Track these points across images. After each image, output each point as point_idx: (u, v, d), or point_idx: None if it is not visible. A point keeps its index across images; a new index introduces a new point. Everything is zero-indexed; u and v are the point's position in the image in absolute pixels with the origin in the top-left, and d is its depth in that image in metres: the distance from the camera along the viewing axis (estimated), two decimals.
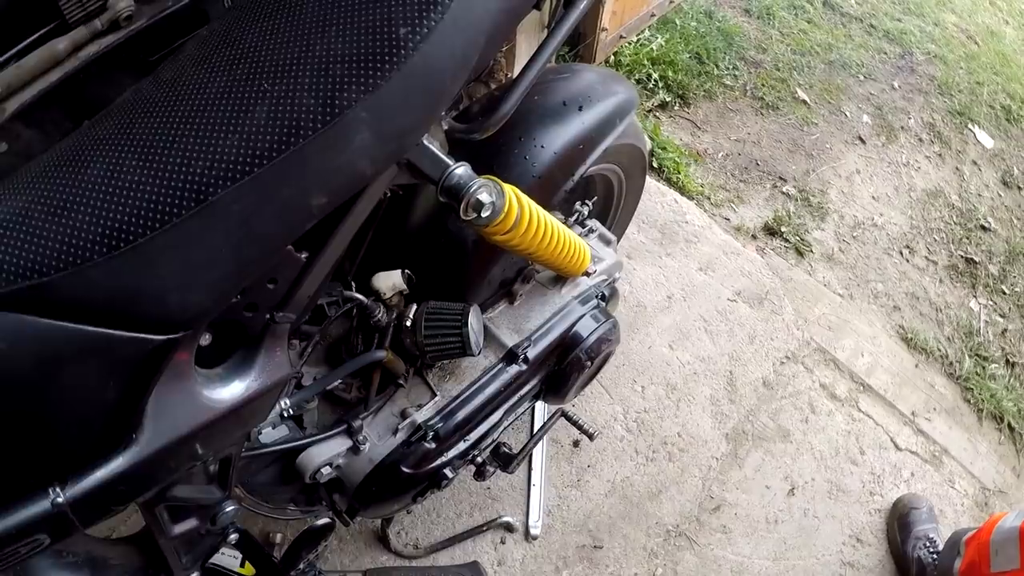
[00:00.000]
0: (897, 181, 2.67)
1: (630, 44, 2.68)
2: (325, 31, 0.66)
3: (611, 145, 1.26)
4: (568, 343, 1.25)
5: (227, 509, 0.89)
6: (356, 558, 1.49)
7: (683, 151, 2.50)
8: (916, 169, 2.73)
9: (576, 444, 1.73)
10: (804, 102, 2.82)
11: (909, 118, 2.89)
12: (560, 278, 1.29)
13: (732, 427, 1.89)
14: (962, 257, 2.53)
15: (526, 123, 1.13)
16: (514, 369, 1.17)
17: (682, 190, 2.37)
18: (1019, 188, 2.82)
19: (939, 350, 2.26)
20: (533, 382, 1.24)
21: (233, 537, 0.96)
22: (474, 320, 1.03)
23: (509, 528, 1.58)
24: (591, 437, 1.35)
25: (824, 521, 1.82)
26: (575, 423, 1.33)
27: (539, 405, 1.71)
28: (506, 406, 1.19)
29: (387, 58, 0.64)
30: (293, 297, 0.76)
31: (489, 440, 1.21)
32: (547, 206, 1.11)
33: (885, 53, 3.11)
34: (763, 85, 2.82)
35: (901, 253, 2.46)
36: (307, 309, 0.83)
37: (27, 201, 0.59)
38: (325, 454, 1.01)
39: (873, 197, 2.59)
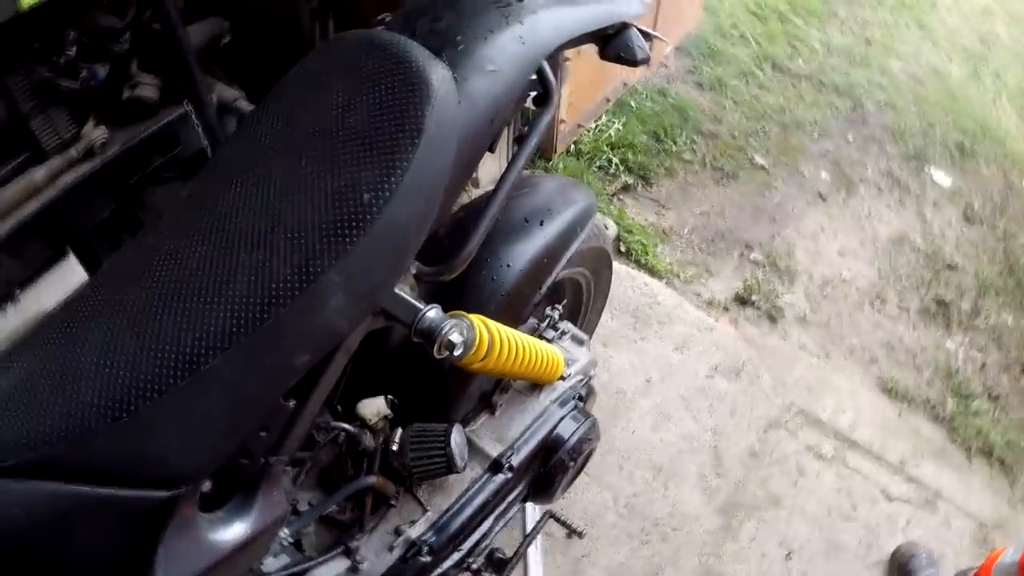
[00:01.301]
0: (861, 234, 2.86)
1: (588, 131, 2.88)
2: (296, 198, 0.76)
3: (575, 251, 1.41)
4: (550, 446, 1.37)
5: None
6: None
7: (649, 232, 2.67)
8: (879, 219, 2.92)
9: (570, 535, 1.83)
10: (762, 167, 3.02)
11: (866, 169, 3.09)
12: (536, 383, 1.42)
13: (723, 500, 2.00)
14: (933, 299, 2.70)
15: (491, 244, 1.23)
16: (500, 478, 1.29)
17: (651, 271, 2.53)
18: (981, 222, 3.01)
19: (920, 395, 2.40)
20: (520, 487, 1.36)
21: None
22: (457, 439, 1.15)
23: None
24: (580, 535, 1.46)
25: None
26: (563, 523, 1.44)
27: (529, 505, 1.82)
28: (495, 513, 1.31)
29: (354, 224, 0.74)
30: (285, 441, 0.88)
31: (482, 547, 1.32)
32: (517, 321, 1.25)
33: (836, 108, 3.35)
34: (721, 155, 3.03)
35: (872, 304, 2.63)
36: (299, 446, 0.95)
37: (33, 372, 0.70)
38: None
39: (839, 253, 2.77)
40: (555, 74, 1.06)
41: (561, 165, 2.77)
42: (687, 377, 2.21)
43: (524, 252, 1.26)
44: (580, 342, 1.55)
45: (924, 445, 2.29)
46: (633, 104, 3.06)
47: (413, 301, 0.93)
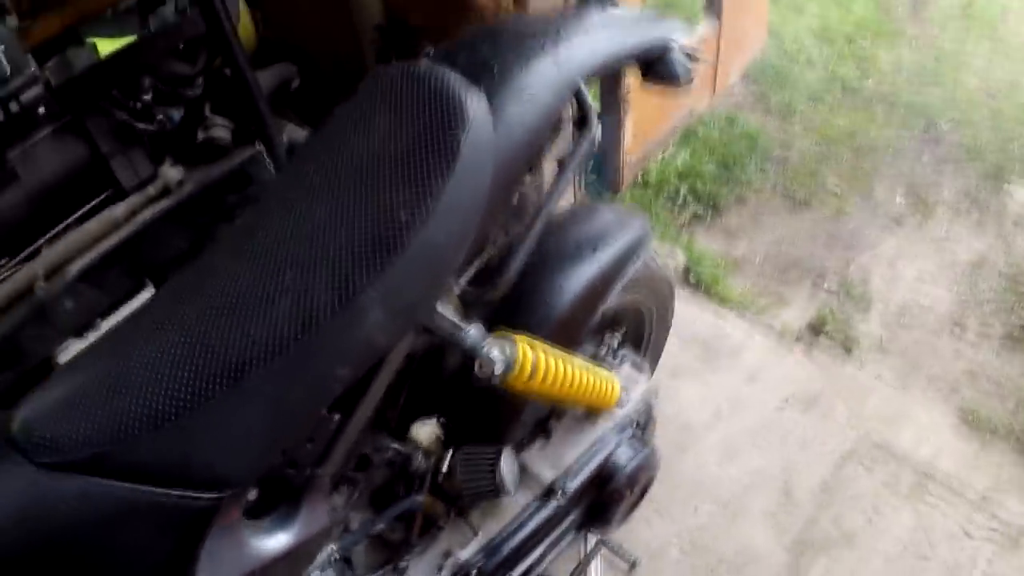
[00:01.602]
0: (939, 258, 2.75)
1: (656, 162, 2.88)
2: (338, 223, 0.81)
3: (631, 279, 1.41)
4: (606, 474, 1.36)
5: None
6: None
7: (719, 262, 2.64)
8: (957, 242, 2.81)
9: (633, 567, 1.80)
10: (835, 193, 2.95)
11: (943, 190, 2.99)
12: (593, 409, 1.41)
13: (792, 537, 1.94)
14: (1019, 325, 2.57)
15: (545, 270, 1.27)
16: (552, 504, 1.29)
17: (722, 301, 2.49)
18: None
19: (1004, 426, 2.27)
20: (574, 514, 1.35)
21: None
22: (506, 462, 1.16)
23: None
24: (633, 566, 1.44)
25: None
26: (615, 551, 1.42)
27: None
28: (548, 540, 1.30)
29: (391, 243, 0.79)
30: (331, 454, 0.91)
31: (534, 574, 1.31)
32: (573, 345, 1.26)
33: (910, 128, 3.25)
34: (792, 182, 2.98)
35: (952, 332, 2.52)
36: (347, 461, 0.97)
37: (92, 377, 0.75)
38: None
39: (917, 279, 2.68)
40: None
41: (628, 196, 2.77)
42: (757, 409, 2.16)
43: (577, 277, 1.27)
44: (639, 370, 1.54)
45: (1008, 478, 2.16)
46: (700, 133, 3.04)
47: (455, 319, 0.95)
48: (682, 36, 1.14)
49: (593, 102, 1.21)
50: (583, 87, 1.02)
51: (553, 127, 1.01)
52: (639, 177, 2.81)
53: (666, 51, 1.13)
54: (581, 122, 1.07)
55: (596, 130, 1.07)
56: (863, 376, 2.34)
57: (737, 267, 2.65)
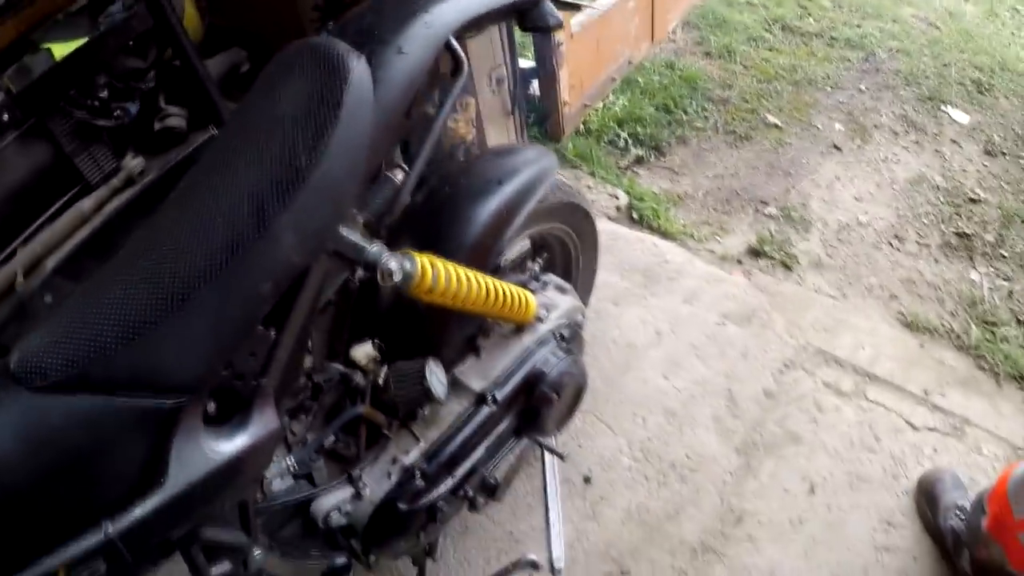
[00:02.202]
0: (878, 177, 2.91)
1: (596, 111, 3.03)
2: (255, 170, 0.99)
3: (543, 206, 1.58)
4: (532, 381, 1.53)
5: (256, 554, 1.18)
6: None
7: (661, 198, 2.79)
8: (896, 162, 2.97)
9: (587, 480, 1.97)
10: (776, 125, 3.11)
11: (881, 115, 3.14)
12: (519, 328, 1.58)
13: (740, 440, 2.09)
14: (955, 233, 2.73)
15: (455, 204, 1.45)
16: (485, 410, 1.46)
17: (664, 234, 2.65)
18: (1003, 154, 3.02)
19: (943, 326, 2.43)
20: (508, 420, 1.52)
21: None
22: (432, 372, 1.33)
23: (535, 566, 1.80)
24: (562, 457, 1.61)
25: (850, 512, 1.97)
26: (546, 447, 1.59)
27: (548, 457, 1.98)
28: (485, 443, 1.47)
29: (296, 179, 0.97)
30: (271, 365, 1.08)
31: (476, 475, 1.49)
32: (486, 268, 1.42)
33: (849, 60, 3.40)
34: (733, 119, 3.13)
35: (891, 244, 2.68)
36: (287, 374, 1.14)
37: (70, 317, 0.92)
38: (332, 502, 1.31)
39: (855, 198, 2.83)
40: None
41: (570, 145, 2.93)
42: (697, 326, 2.32)
43: (484, 207, 1.44)
44: (563, 290, 1.70)
45: (949, 374, 2.31)
46: (641, 80, 3.19)
47: (358, 240, 1.12)
48: None
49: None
50: (453, 41, 1.18)
51: (426, 76, 1.17)
52: (582, 126, 2.95)
53: (537, 2, 1.30)
54: (454, 71, 1.23)
55: (464, 74, 1.23)
56: (802, 291, 2.50)
57: (680, 202, 2.81)
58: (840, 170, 2.93)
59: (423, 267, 1.18)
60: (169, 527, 1.00)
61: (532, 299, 1.49)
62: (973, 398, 2.26)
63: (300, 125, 1.01)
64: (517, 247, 1.70)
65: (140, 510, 0.94)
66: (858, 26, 3.55)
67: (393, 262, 1.12)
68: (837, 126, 3.11)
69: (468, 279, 1.28)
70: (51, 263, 1.69)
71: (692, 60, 3.35)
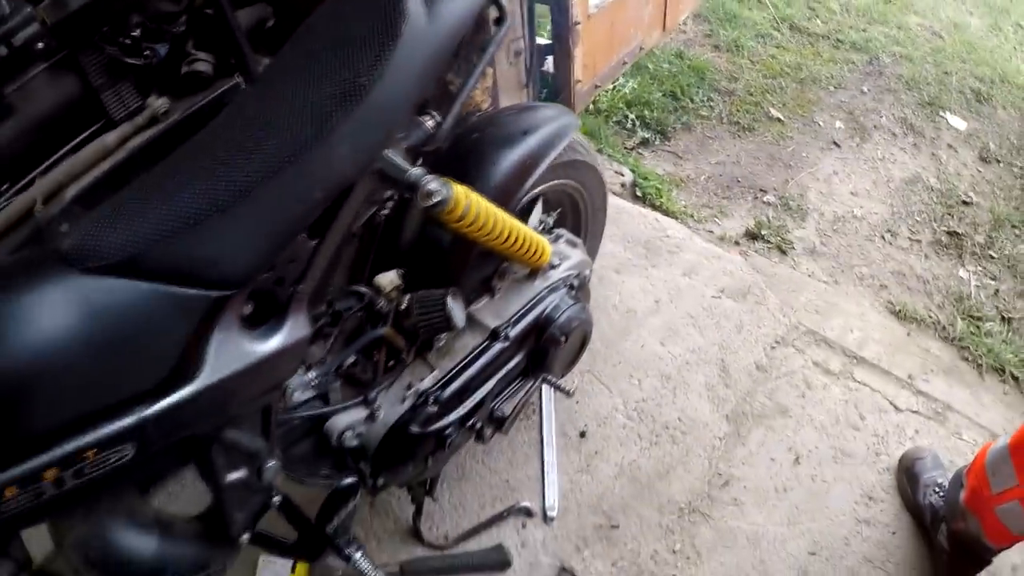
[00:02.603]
0: (875, 175, 3.00)
1: (606, 92, 3.10)
2: (318, 86, 1.06)
3: (560, 161, 1.65)
4: (543, 323, 1.60)
5: (269, 464, 1.23)
6: (393, 554, 1.81)
7: (665, 179, 2.87)
8: (892, 162, 3.06)
9: (583, 435, 2.04)
10: (778, 119, 3.19)
11: (881, 117, 3.23)
12: (533, 273, 1.64)
13: (731, 409, 2.16)
14: (946, 232, 2.82)
15: (483, 149, 1.53)
16: (498, 346, 1.53)
17: (666, 213, 2.72)
18: (998, 161, 3.11)
19: (930, 317, 2.52)
20: (517, 358, 1.59)
21: (277, 499, 1.30)
22: (454, 300, 1.38)
23: (528, 513, 1.89)
24: (569, 394, 1.68)
25: (833, 484, 2.04)
26: (555, 385, 1.66)
27: (546, 398, 2.06)
28: (496, 377, 1.54)
29: (355, 96, 1.03)
30: (308, 273, 1.14)
31: (485, 408, 1.55)
32: (508, 208, 1.48)
33: (853, 63, 3.49)
34: (738, 111, 3.21)
35: (883, 237, 2.76)
36: (319, 287, 1.20)
37: (128, 205, 0.96)
38: (346, 421, 1.37)
39: (852, 193, 2.92)
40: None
41: (580, 122, 2.98)
42: (695, 298, 2.39)
43: (510, 154, 1.52)
44: (573, 244, 1.77)
45: (934, 362, 2.39)
46: (651, 67, 3.26)
47: (403, 162, 1.18)
48: None
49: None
50: None
51: (473, 19, 1.23)
52: (591, 105, 3.02)
53: None
54: (498, 20, 1.31)
55: (507, 24, 1.31)
56: (796, 274, 2.58)
57: (683, 184, 2.88)
58: (839, 166, 3.02)
59: (459, 194, 1.24)
60: (198, 420, 1.04)
61: (547, 246, 1.56)
62: (956, 386, 2.34)
63: (362, 49, 1.08)
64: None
65: (173, 399, 0.98)
66: (864, 31, 3.65)
67: (434, 184, 1.18)
68: (838, 124, 3.19)
69: (495, 215, 1.34)
70: (71, 192, 1.73)
71: (701, 51, 3.43)
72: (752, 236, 2.69)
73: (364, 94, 1.04)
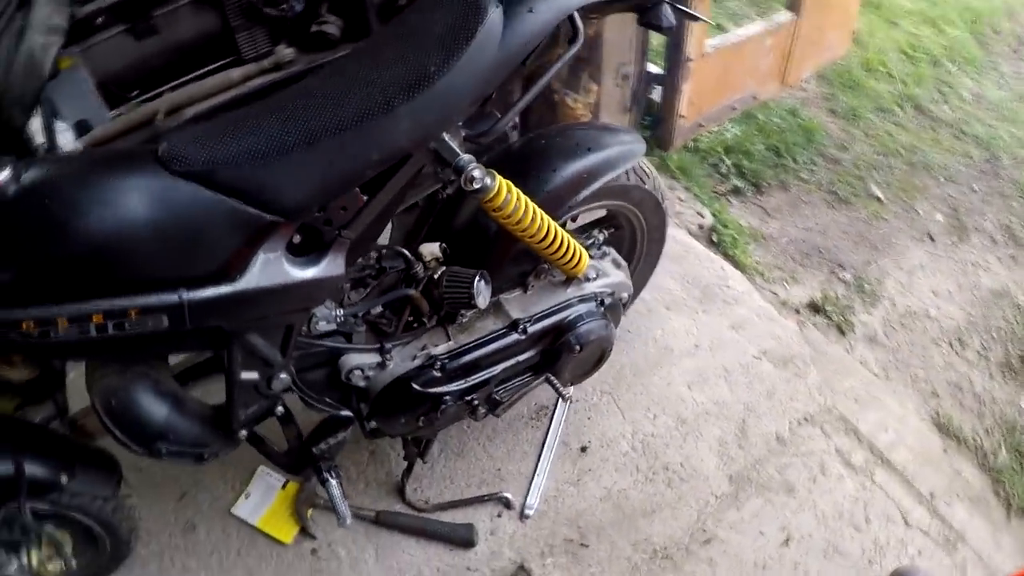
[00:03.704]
0: (962, 279, 3.08)
1: (709, 133, 3.28)
2: (394, 67, 1.30)
3: (621, 184, 1.86)
4: (563, 327, 1.80)
5: (281, 376, 1.47)
6: (374, 501, 2.05)
7: (745, 231, 3.02)
8: (985, 269, 3.13)
9: (583, 450, 2.22)
10: (878, 199, 3.30)
11: (985, 220, 3.31)
12: (568, 280, 1.85)
13: (737, 470, 2.27)
14: (1020, 356, 2.87)
15: (546, 155, 1.76)
16: (514, 336, 1.74)
17: (735, 263, 2.88)
18: None
19: (974, 440, 2.57)
20: (530, 353, 1.80)
21: (280, 411, 1.55)
22: (482, 282, 1.60)
23: (507, 504, 2.08)
24: (564, 399, 1.87)
25: None
26: (555, 387, 1.85)
27: (560, 406, 2.27)
28: (504, 364, 1.76)
29: (422, 83, 1.27)
30: (354, 222, 1.37)
31: (486, 389, 1.76)
32: (555, 215, 1.69)
33: (971, 157, 3.56)
34: (839, 181, 3.34)
35: (951, 345, 2.85)
36: (362, 239, 1.43)
37: (219, 129, 1.22)
38: (358, 361, 1.61)
39: (933, 291, 3.01)
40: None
41: (675, 156, 3.18)
42: (735, 352, 2.53)
43: (568, 165, 1.74)
44: (618, 265, 1.97)
45: (962, 487, 2.43)
46: (760, 117, 3.42)
47: (455, 147, 1.41)
48: None
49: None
50: (576, 15, 1.46)
51: (545, 35, 1.44)
52: (691, 143, 3.21)
53: (658, 2, 1.57)
54: (571, 39, 1.50)
55: (578, 44, 1.49)
56: (847, 358, 2.69)
57: (762, 241, 3.03)
58: (927, 260, 3.11)
59: (500, 186, 1.47)
60: (227, 315, 1.30)
61: (585, 257, 1.76)
62: (977, 519, 2.36)
63: (438, 44, 1.32)
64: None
65: (212, 291, 1.25)
66: (991, 126, 3.70)
67: (477, 171, 1.42)
68: (938, 216, 3.28)
69: (534, 213, 1.55)
70: (190, 112, 2.06)
71: (816, 113, 3.56)
72: (815, 308, 2.82)
73: (430, 83, 1.28)
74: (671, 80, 3.01)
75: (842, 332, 2.78)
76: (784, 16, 3.25)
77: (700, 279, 2.74)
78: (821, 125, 3.50)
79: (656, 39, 3.14)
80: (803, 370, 2.55)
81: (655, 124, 3.22)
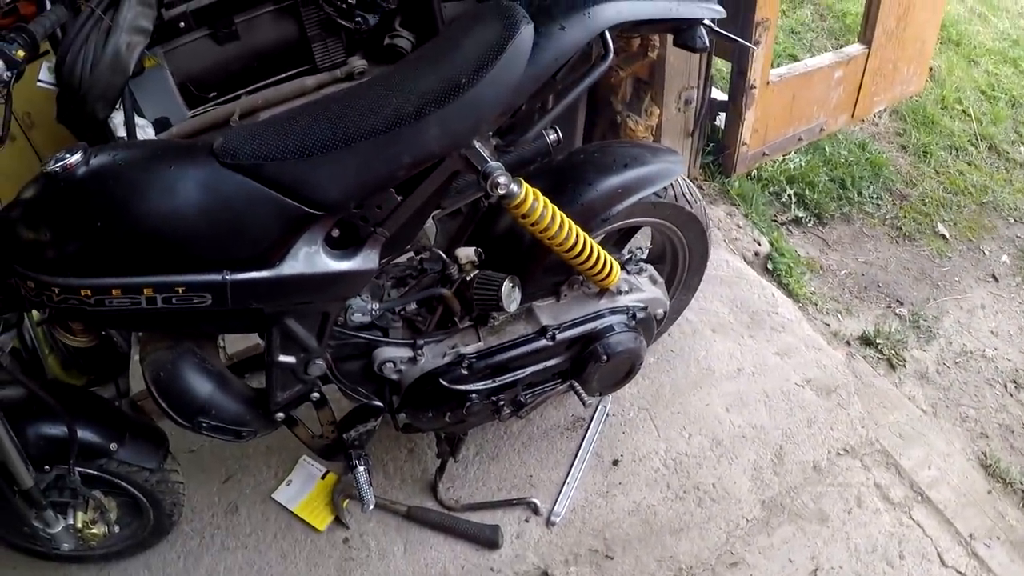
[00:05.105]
0: (1022, 322, 3.01)
1: (774, 163, 3.31)
2: (427, 78, 1.42)
3: (661, 202, 1.92)
4: (592, 337, 1.88)
5: (316, 361, 1.59)
6: (408, 497, 2.16)
7: (802, 261, 3.03)
8: None
9: (615, 463, 2.28)
10: (943, 236, 3.26)
11: None
12: (601, 292, 1.92)
13: (770, 496, 2.28)
14: None
15: (583, 169, 1.84)
16: (542, 342, 1.83)
17: (788, 292, 2.90)
18: None
19: (1022, 484, 2.53)
20: (558, 359, 1.88)
21: (315, 396, 1.67)
22: (510, 286, 1.69)
23: (535, 510, 2.15)
24: (585, 404, 1.94)
25: None
26: (577, 392, 1.92)
27: (596, 418, 2.33)
28: (531, 369, 1.85)
29: (453, 93, 1.39)
30: (388, 221, 1.49)
31: (513, 391, 1.85)
32: (588, 228, 1.77)
33: None
34: (905, 216, 3.31)
35: (1007, 387, 2.79)
36: (397, 237, 1.54)
37: (271, 129, 1.36)
38: (392, 354, 1.72)
39: (992, 332, 2.96)
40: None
41: (737, 183, 3.21)
42: (777, 379, 2.55)
43: (604, 180, 1.82)
44: (654, 281, 2.03)
45: (1004, 530, 2.36)
46: (827, 149, 3.43)
47: (484, 154, 1.51)
48: (710, 15, 1.63)
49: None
50: (607, 34, 1.53)
51: (575, 53, 1.52)
52: (754, 171, 3.24)
53: (693, 24, 1.63)
54: (602, 57, 1.58)
55: (608, 62, 1.57)
56: (895, 392, 2.67)
57: (820, 272, 3.04)
58: (989, 300, 3.06)
59: (526, 193, 1.55)
60: (265, 298, 1.43)
61: (617, 268, 1.83)
62: (1018, 564, 2.29)
63: (471, 57, 1.43)
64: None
65: (252, 275, 1.39)
66: None
67: (503, 178, 1.51)
68: (1004, 258, 3.22)
69: (562, 221, 1.64)
70: (264, 115, 2.21)
71: (886, 148, 3.54)
72: (867, 342, 2.80)
73: (459, 93, 1.39)
74: (734, 107, 3.06)
75: (892, 367, 2.76)
76: (855, 48, 3.26)
77: (749, 304, 2.77)
78: (890, 160, 3.48)
79: (724, 65, 3.19)
80: (846, 400, 2.55)
81: (718, 151, 3.26)
